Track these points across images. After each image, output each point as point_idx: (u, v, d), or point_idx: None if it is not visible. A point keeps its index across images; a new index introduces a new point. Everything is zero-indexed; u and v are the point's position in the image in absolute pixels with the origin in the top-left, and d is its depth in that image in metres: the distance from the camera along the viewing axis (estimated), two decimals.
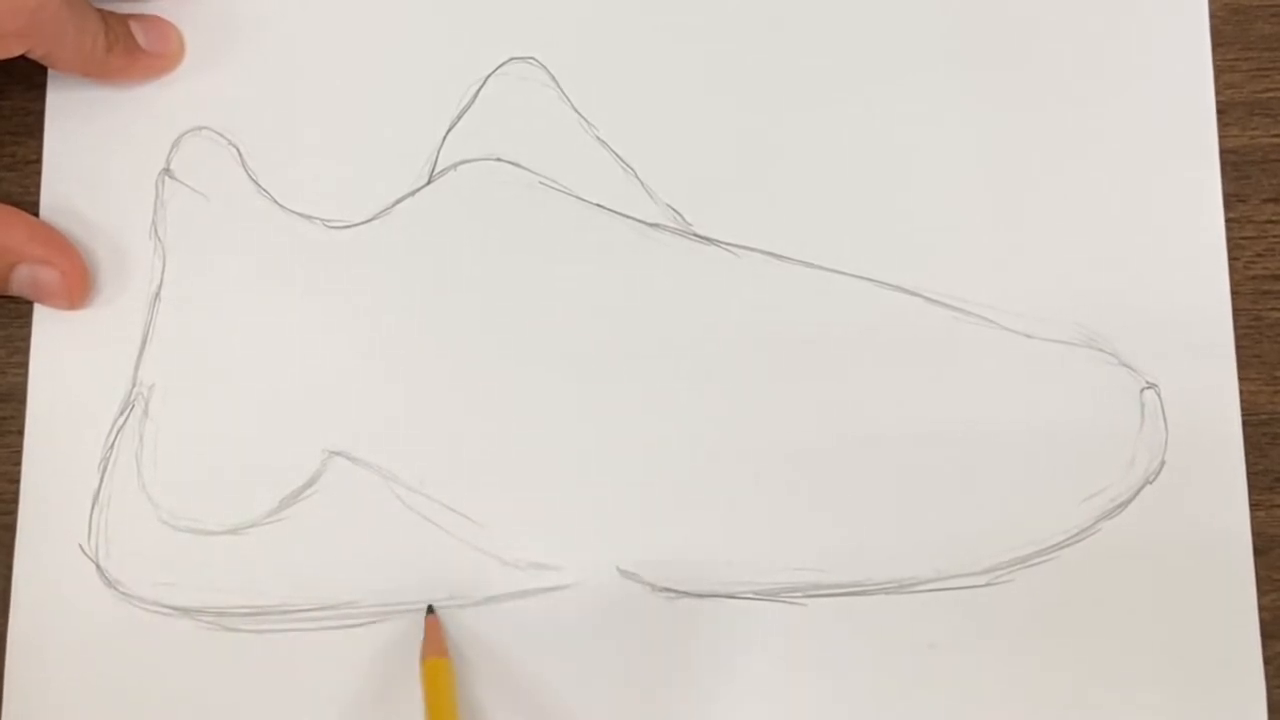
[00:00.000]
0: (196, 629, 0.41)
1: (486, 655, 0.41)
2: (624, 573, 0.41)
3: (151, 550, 0.41)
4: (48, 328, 0.43)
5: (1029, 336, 0.42)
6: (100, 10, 0.42)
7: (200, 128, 0.44)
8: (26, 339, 0.43)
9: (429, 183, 0.43)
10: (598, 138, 0.43)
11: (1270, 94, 0.44)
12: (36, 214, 0.43)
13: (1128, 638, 0.41)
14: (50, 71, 0.43)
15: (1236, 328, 0.42)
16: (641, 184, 0.43)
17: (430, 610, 0.41)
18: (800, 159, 0.43)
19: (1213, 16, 0.44)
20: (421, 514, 0.41)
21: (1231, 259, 0.42)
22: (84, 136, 0.44)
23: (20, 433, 0.42)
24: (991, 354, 0.42)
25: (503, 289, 0.43)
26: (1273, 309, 0.42)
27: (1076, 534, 0.41)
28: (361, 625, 0.41)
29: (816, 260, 0.43)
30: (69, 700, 0.41)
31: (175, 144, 0.43)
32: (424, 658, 0.39)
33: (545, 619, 0.41)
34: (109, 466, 0.42)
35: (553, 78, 0.44)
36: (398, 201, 0.43)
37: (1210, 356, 0.42)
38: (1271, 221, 0.43)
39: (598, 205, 0.43)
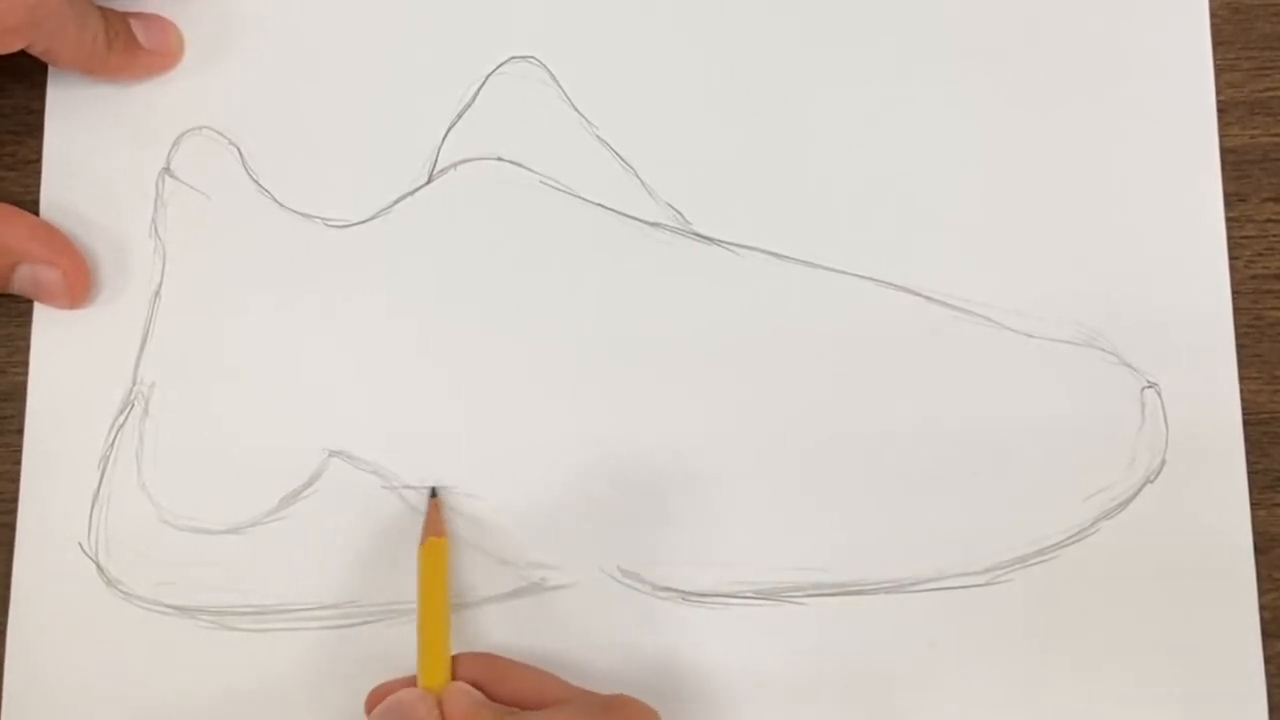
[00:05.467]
0: (196, 628, 0.41)
1: None
2: (624, 572, 0.41)
3: (151, 549, 0.41)
4: (48, 327, 0.43)
5: (1029, 335, 0.42)
6: (100, 7, 0.42)
7: (200, 127, 0.44)
8: (26, 339, 0.43)
9: (429, 182, 0.43)
10: (598, 137, 0.43)
11: (1270, 94, 0.44)
12: (36, 213, 0.43)
13: (1128, 637, 0.41)
14: (50, 71, 0.44)
15: (1236, 327, 0.42)
16: (641, 184, 0.43)
17: (434, 493, 0.41)
18: (800, 159, 0.43)
19: (1213, 16, 0.44)
20: (421, 514, 0.41)
21: (1231, 259, 0.42)
22: (84, 136, 0.44)
23: (20, 432, 0.42)
24: (992, 353, 0.42)
25: (502, 288, 0.43)
26: (1273, 308, 0.42)
27: (1077, 533, 0.41)
28: (361, 625, 0.41)
29: (816, 260, 0.43)
30: (69, 699, 0.41)
31: (175, 143, 0.43)
32: (423, 539, 0.40)
33: (545, 619, 0.41)
34: (109, 465, 0.42)
35: (553, 77, 0.44)
36: (398, 201, 0.43)
37: (1210, 356, 0.42)
38: (1271, 221, 0.43)
39: (598, 205, 0.43)
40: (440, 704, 0.37)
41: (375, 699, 0.38)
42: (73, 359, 0.42)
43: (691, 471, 0.42)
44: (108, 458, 0.42)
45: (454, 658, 0.38)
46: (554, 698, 0.37)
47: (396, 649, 0.41)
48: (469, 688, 0.37)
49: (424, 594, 0.39)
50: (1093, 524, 0.41)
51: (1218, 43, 0.44)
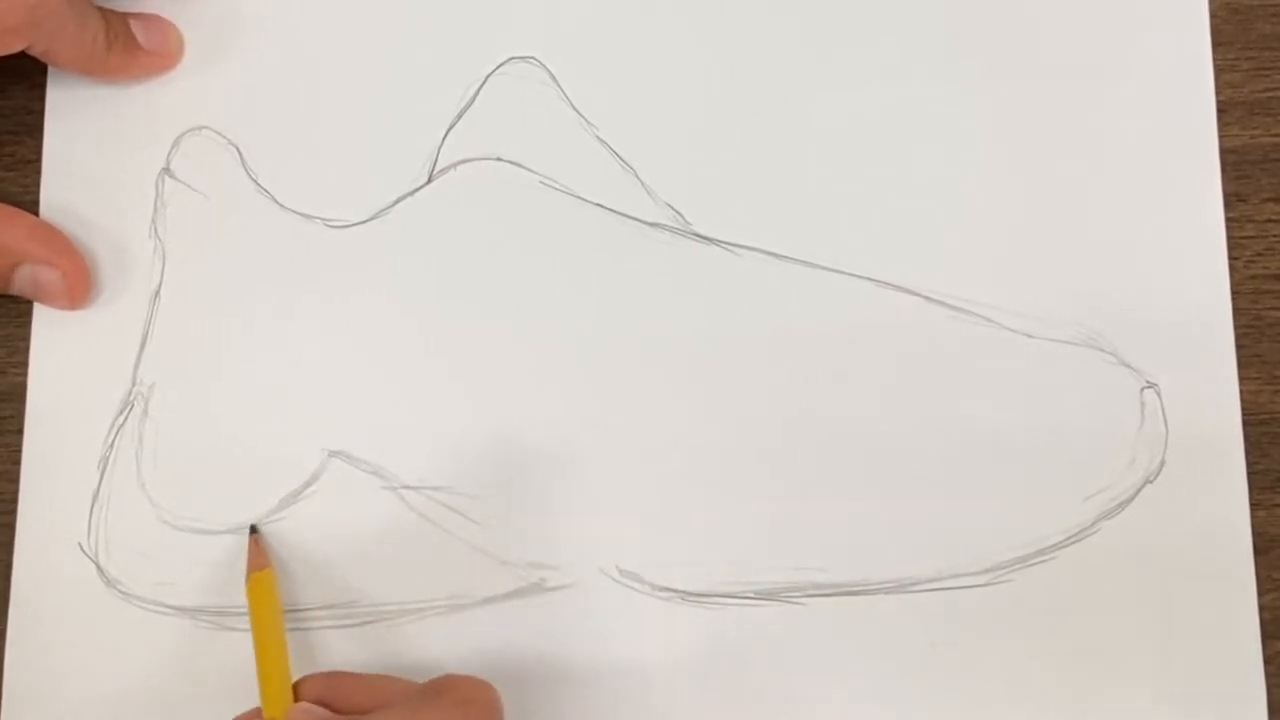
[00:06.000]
0: (196, 629, 0.41)
1: (487, 656, 0.41)
2: (624, 573, 0.41)
3: (151, 550, 0.41)
4: (48, 328, 0.43)
5: (1029, 336, 0.42)
6: (100, 8, 0.42)
7: (200, 127, 0.44)
8: (26, 339, 0.43)
9: (429, 182, 0.43)
10: (598, 137, 0.43)
11: (1270, 94, 0.44)
12: (36, 214, 0.43)
13: (1128, 638, 0.41)
14: (50, 71, 0.44)
15: (1236, 327, 0.42)
16: (641, 184, 0.43)
17: (254, 530, 0.41)
18: (800, 158, 0.43)
19: (1213, 16, 0.44)
20: (421, 514, 0.41)
21: (1231, 259, 0.42)
22: (84, 136, 0.44)
23: (20, 432, 0.42)
24: (991, 354, 0.42)
25: (502, 288, 0.43)
26: (1273, 309, 0.42)
27: (1076, 534, 0.41)
28: (361, 625, 0.41)
29: (816, 260, 0.43)
30: (69, 700, 0.41)
31: (175, 143, 0.43)
32: (249, 573, 0.40)
33: (545, 619, 0.41)
34: (109, 466, 0.42)
35: (553, 77, 0.44)
36: (398, 201, 0.43)
37: (1210, 356, 0.42)
38: (1271, 221, 0.43)
39: (598, 205, 0.43)
40: None
41: None
42: (73, 359, 0.42)
43: (691, 471, 0.42)
44: (107, 458, 0.42)
45: (296, 683, 0.38)
46: (396, 697, 0.37)
47: (396, 649, 0.41)
48: (310, 706, 0.37)
49: (257, 626, 0.39)
50: (1093, 524, 0.41)
51: (1217, 43, 0.44)
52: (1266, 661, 0.40)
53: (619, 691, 0.40)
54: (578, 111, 0.43)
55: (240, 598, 0.41)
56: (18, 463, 0.42)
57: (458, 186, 0.43)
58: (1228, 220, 0.43)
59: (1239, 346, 0.42)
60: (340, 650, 0.41)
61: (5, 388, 0.43)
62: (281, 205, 0.43)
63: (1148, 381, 0.42)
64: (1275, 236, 0.43)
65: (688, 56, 0.44)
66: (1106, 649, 0.41)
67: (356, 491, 0.42)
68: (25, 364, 0.43)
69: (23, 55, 0.41)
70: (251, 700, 0.40)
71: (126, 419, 0.42)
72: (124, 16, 0.43)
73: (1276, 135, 0.43)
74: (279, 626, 0.39)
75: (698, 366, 0.42)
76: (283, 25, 0.44)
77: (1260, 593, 0.41)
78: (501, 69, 0.44)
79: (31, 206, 0.43)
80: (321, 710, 0.37)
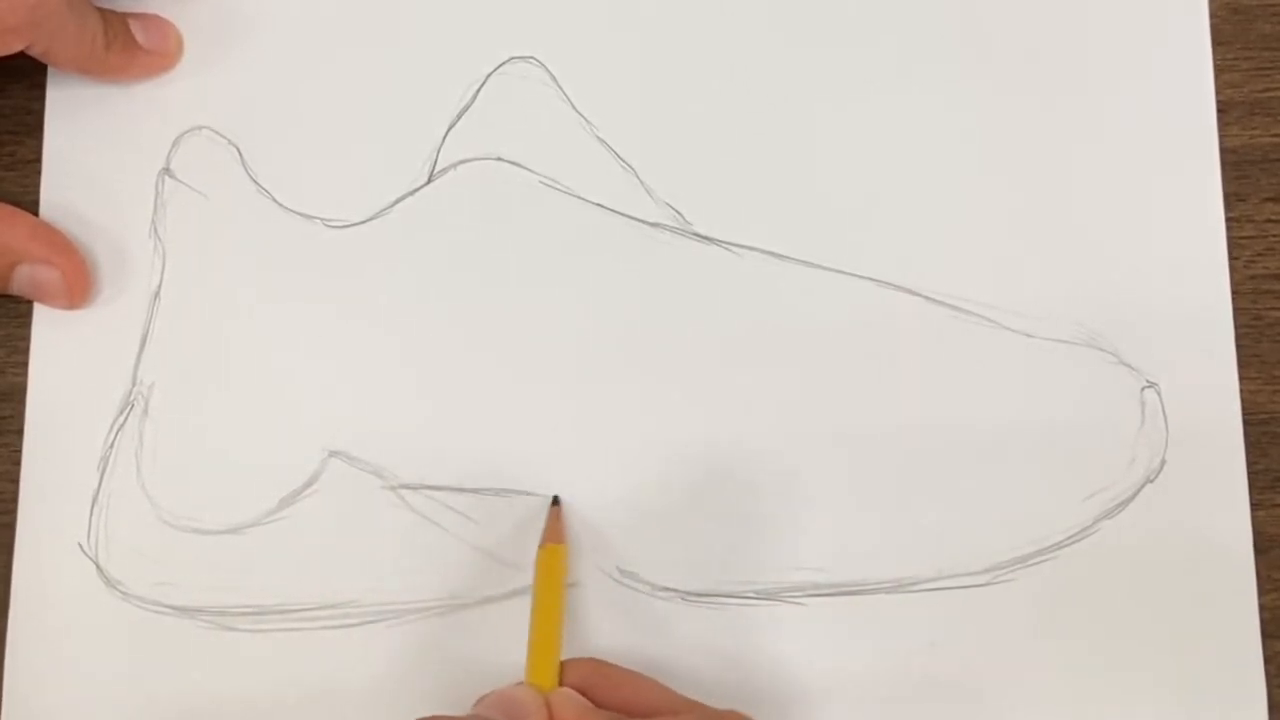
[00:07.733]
0: (196, 629, 0.41)
1: (486, 655, 0.41)
2: (624, 572, 0.41)
3: (151, 550, 0.41)
4: (48, 328, 0.43)
5: (1029, 336, 0.42)
6: (99, 8, 0.42)
7: (200, 127, 0.44)
8: (26, 339, 0.43)
9: (429, 182, 0.43)
10: (598, 137, 0.43)
11: (1270, 94, 0.44)
12: (36, 213, 0.43)
13: (1128, 638, 0.41)
14: (50, 71, 0.44)
15: (1236, 327, 0.42)
16: (641, 183, 0.43)
17: (555, 501, 0.41)
18: (800, 158, 0.43)
19: (1213, 16, 0.44)
20: (421, 514, 0.41)
21: (1231, 259, 0.42)
22: (84, 136, 0.44)
23: (20, 432, 0.42)
24: (992, 353, 0.42)
25: (502, 288, 0.43)
26: (1273, 308, 0.42)
27: (1077, 533, 0.41)
28: (361, 625, 0.41)
29: (816, 260, 0.43)
30: (69, 700, 0.41)
31: (175, 143, 0.43)
32: (542, 544, 0.40)
33: None
34: (109, 466, 0.42)
35: (553, 77, 0.44)
36: (398, 201, 0.43)
37: (1210, 356, 0.42)
38: (1271, 221, 0.43)
39: (598, 205, 0.43)
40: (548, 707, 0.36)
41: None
42: (72, 359, 0.42)
43: (690, 471, 0.42)
44: (107, 458, 0.42)
45: (564, 662, 0.38)
46: (666, 706, 0.37)
47: (395, 650, 0.41)
48: (576, 694, 0.37)
49: (539, 596, 0.39)
50: (1093, 524, 0.41)
51: (1218, 43, 0.44)
52: (1266, 661, 0.40)
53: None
54: (578, 111, 0.43)
55: (240, 598, 0.41)
56: (18, 463, 0.42)
57: (458, 186, 0.43)
58: (1228, 220, 0.43)
59: (1239, 346, 0.42)
60: (339, 650, 0.41)
61: (5, 388, 0.42)
62: (281, 205, 0.43)
63: (1148, 381, 0.42)
64: (1275, 236, 0.43)
65: (688, 56, 0.44)
66: (1106, 649, 0.41)
67: (356, 491, 0.42)
68: (25, 364, 0.43)
69: (23, 55, 0.41)
70: (250, 700, 0.40)
71: (126, 419, 0.42)
72: (123, 16, 0.43)
73: (1276, 135, 0.43)
74: (560, 601, 0.39)
75: (696, 367, 0.42)
76: (283, 25, 0.44)
77: (1260, 593, 0.41)
78: (501, 69, 0.44)
79: (31, 206, 0.43)
80: (586, 701, 0.37)
